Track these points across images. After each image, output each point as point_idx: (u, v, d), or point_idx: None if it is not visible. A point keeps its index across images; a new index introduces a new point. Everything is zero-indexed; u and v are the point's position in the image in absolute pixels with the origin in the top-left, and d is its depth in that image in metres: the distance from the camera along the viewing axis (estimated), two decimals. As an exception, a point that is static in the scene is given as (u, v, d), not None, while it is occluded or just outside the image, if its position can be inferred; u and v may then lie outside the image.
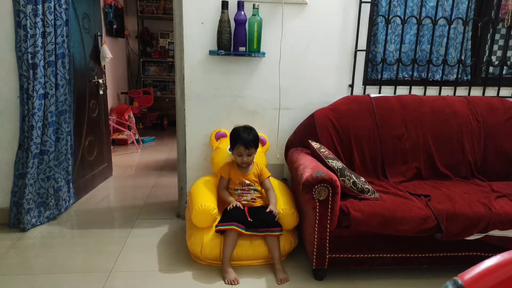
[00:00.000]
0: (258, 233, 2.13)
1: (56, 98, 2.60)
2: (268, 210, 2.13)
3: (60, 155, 2.70)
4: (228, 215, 2.15)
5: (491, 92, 2.83)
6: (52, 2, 2.44)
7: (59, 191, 2.73)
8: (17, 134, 2.51)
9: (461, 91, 2.81)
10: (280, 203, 2.23)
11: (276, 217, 2.13)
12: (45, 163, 2.59)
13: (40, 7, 2.36)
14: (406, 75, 2.81)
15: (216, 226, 2.14)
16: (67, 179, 2.82)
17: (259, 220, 2.12)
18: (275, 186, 2.40)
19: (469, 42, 2.81)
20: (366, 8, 2.59)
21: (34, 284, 2.00)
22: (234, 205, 2.16)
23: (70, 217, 2.80)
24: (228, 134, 2.47)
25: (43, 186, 2.63)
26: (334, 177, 1.95)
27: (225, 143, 2.46)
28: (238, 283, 2.05)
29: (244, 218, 2.12)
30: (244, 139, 2.21)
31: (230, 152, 2.38)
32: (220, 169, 2.33)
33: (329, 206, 1.95)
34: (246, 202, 2.24)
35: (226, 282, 2.06)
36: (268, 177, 2.33)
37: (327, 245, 2.01)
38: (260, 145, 2.44)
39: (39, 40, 2.40)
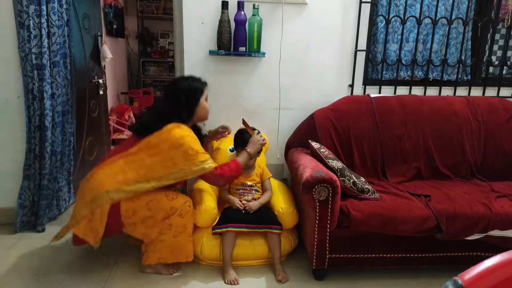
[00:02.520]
0: (259, 229, 2.13)
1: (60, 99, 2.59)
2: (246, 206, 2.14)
3: (63, 155, 2.69)
4: (224, 216, 2.15)
5: (491, 92, 2.83)
6: (56, 3, 2.44)
7: (59, 191, 2.72)
8: (21, 135, 2.49)
9: (461, 91, 2.81)
10: (280, 202, 2.23)
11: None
12: (52, 164, 2.58)
13: (44, 7, 2.35)
14: (404, 75, 2.81)
15: (213, 229, 2.14)
16: (68, 180, 2.81)
17: (260, 217, 2.13)
18: (275, 186, 2.40)
19: (469, 42, 2.81)
20: (366, 8, 2.59)
21: (35, 284, 2.00)
22: (236, 206, 2.16)
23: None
24: (228, 135, 2.47)
25: (50, 187, 2.61)
26: (334, 177, 1.96)
27: (226, 144, 2.45)
28: (238, 283, 2.05)
29: (240, 216, 2.12)
30: (247, 143, 2.20)
31: (231, 153, 2.38)
32: None
33: (329, 206, 1.95)
34: (245, 202, 2.24)
35: (226, 282, 2.06)
36: (269, 178, 2.34)
37: (327, 245, 2.01)
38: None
39: (45, 41, 2.39)
